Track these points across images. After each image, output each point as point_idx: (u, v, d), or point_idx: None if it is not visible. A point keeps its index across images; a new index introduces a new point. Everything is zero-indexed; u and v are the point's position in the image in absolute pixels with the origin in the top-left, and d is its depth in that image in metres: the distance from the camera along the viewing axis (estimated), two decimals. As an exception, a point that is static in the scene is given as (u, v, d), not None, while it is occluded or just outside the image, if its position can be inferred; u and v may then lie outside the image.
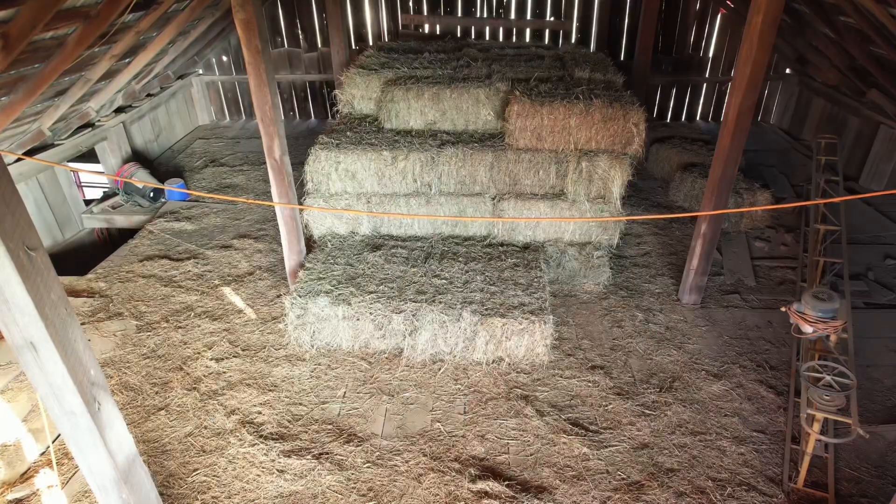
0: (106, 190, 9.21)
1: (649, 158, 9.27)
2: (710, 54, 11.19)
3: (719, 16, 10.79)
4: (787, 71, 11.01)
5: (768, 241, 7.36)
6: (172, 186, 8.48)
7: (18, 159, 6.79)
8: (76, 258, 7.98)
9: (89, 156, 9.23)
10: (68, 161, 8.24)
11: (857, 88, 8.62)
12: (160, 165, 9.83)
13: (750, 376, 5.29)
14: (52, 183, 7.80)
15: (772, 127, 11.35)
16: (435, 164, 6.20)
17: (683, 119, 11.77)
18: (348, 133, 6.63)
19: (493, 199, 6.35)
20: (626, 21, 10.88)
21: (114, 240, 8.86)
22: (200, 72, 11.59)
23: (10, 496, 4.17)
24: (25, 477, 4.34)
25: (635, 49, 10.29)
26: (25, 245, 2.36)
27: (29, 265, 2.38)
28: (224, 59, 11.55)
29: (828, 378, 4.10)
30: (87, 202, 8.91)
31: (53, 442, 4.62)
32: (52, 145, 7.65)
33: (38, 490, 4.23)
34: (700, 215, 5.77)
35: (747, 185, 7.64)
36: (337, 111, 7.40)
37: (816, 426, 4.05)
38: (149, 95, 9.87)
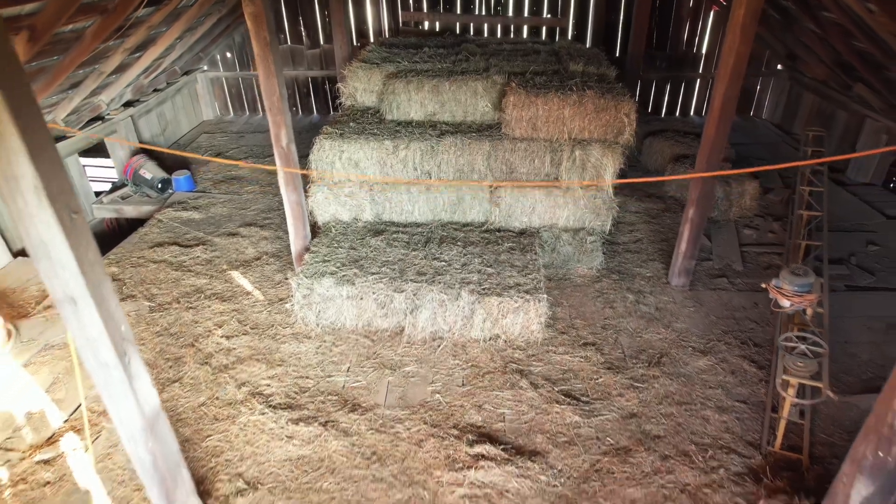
0: (114, 182, 9.49)
1: (643, 151, 9.55)
2: (704, 51, 11.47)
3: (712, 13, 11.07)
4: (779, 67, 11.30)
5: (756, 229, 7.64)
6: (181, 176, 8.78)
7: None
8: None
9: (98, 149, 9.53)
10: (78, 153, 8.53)
11: (844, 83, 8.90)
12: (167, 158, 10.12)
13: (734, 352, 5.57)
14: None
15: (764, 122, 11.65)
16: (434, 152, 6.47)
17: (677, 114, 12.05)
18: (351, 124, 6.91)
19: (491, 186, 6.62)
20: (621, 18, 11.17)
21: (123, 230, 9.14)
22: (205, 68, 11.86)
23: (38, 457, 4.45)
24: (51, 440, 4.62)
25: (629, 44, 10.60)
26: (69, 208, 2.63)
27: (71, 226, 2.64)
28: (228, 55, 11.83)
29: (802, 347, 4.38)
30: (97, 194, 9.19)
31: (75, 410, 4.91)
32: (64, 137, 7.94)
33: (63, 452, 4.51)
34: (691, 177, 6.06)
35: (736, 176, 7.92)
36: (340, 104, 7.68)
37: (791, 391, 4.34)
38: (155, 90, 10.16)
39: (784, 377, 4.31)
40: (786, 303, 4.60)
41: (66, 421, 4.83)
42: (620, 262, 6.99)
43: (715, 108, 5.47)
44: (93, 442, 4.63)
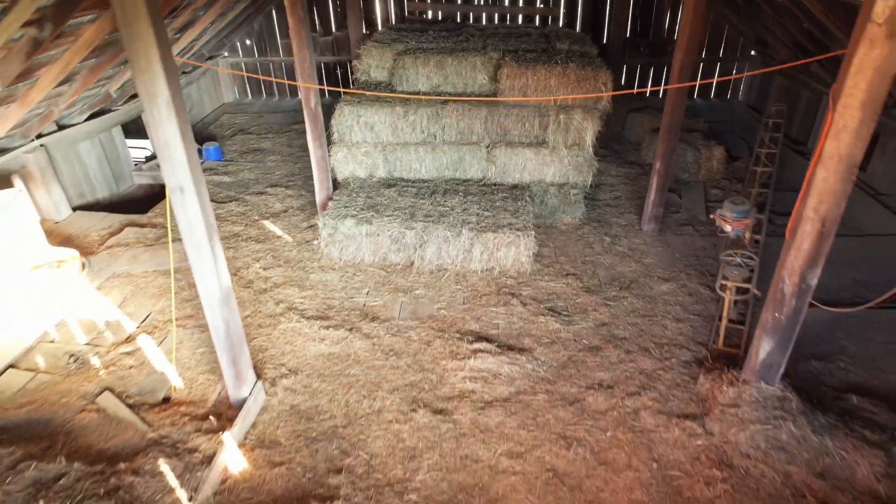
0: (148, 155, 10.52)
1: (626, 126, 10.61)
2: (684, 38, 12.50)
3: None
4: (752, 53, 12.35)
5: (722, 189, 8.68)
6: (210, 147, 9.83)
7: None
8: (130, 207, 9.30)
9: (129, 130, 10.56)
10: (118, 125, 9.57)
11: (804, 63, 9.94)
12: (195, 134, 11.14)
13: (693, 280, 6.61)
14: (110, 143, 9.10)
15: (739, 103, 12.71)
16: (439, 117, 7.52)
17: (660, 96, 13.10)
18: (366, 93, 7.95)
19: (487, 146, 7.66)
20: (608, 8, 12.23)
21: (158, 196, 10.17)
22: (226, 54, 12.91)
23: (121, 350, 5.50)
24: (129, 339, 5.67)
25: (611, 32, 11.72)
26: (185, 122, 3.67)
27: (187, 134, 3.68)
28: (248, 42, 12.88)
29: (738, 259, 5.43)
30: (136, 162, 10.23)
31: (145, 320, 5.96)
32: (111, 110, 8.98)
33: (139, 347, 5.56)
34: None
35: (705, 143, 8.97)
36: (355, 79, 8.71)
37: (729, 294, 5.38)
38: (183, 73, 11.20)
39: (723, 282, 5.36)
40: (728, 227, 5.64)
41: (138, 327, 5.88)
42: (600, 213, 8.04)
43: (675, 70, 6.50)
44: (161, 342, 5.68)
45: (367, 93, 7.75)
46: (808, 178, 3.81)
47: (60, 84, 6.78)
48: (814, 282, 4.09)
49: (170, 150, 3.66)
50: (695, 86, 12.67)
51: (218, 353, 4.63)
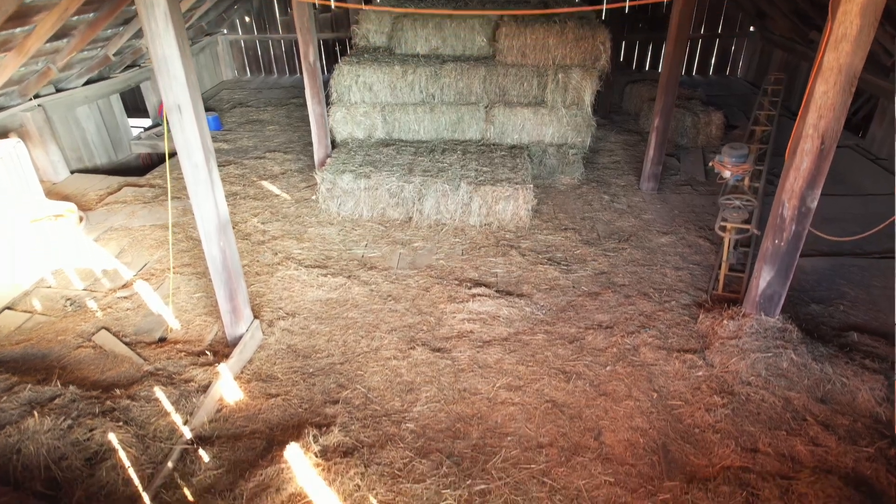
0: (146, 126, 10.50)
1: (624, 97, 10.61)
2: (683, 14, 12.51)
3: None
4: (751, 29, 12.35)
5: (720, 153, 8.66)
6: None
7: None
8: (128, 174, 9.28)
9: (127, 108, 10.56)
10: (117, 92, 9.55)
11: (802, 32, 9.93)
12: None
13: (692, 234, 6.59)
14: (109, 111, 9.08)
15: (738, 80, 12.70)
16: (438, 77, 7.50)
17: (659, 69, 13.09)
18: (365, 55, 7.94)
19: (486, 107, 7.65)
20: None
21: (155, 163, 10.15)
22: (225, 31, 12.90)
23: (118, 294, 5.48)
24: (126, 286, 5.65)
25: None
26: (183, 35, 3.64)
27: (186, 50, 3.66)
28: (247, 19, 12.87)
29: (737, 202, 5.41)
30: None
31: (142, 269, 5.94)
32: (109, 77, 8.97)
33: (136, 292, 5.54)
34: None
35: (703, 108, 8.96)
36: (354, 44, 8.69)
37: (728, 235, 5.35)
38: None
39: (722, 223, 5.34)
40: (727, 173, 5.62)
41: (135, 275, 5.86)
42: (599, 175, 8.02)
43: (673, 27, 6.53)
44: (158, 287, 5.67)
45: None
46: (807, 93, 3.79)
47: (58, 38, 6.76)
48: (813, 204, 4.08)
49: (168, 65, 3.64)
50: (693, 59, 12.70)
51: (214, 285, 4.60)
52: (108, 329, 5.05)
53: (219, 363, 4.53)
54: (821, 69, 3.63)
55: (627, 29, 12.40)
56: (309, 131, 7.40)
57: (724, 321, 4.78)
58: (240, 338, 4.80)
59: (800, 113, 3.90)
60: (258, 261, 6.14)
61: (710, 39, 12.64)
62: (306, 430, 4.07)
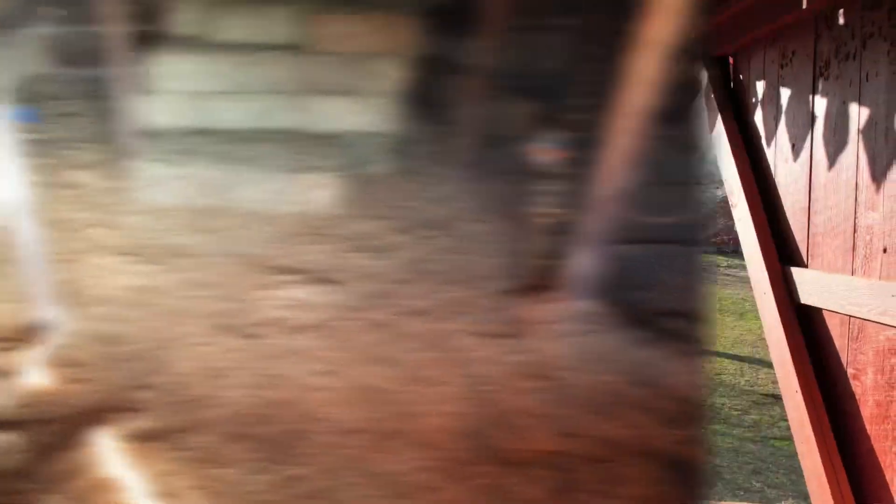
0: None
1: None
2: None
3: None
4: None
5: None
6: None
7: None
8: None
9: None
10: None
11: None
12: None
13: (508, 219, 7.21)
14: None
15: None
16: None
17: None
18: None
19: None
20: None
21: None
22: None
23: None
24: None
25: None
26: None
27: None
28: None
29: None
30: None
31: None
32: None
33: None
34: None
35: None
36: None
37: (543, 220, 5.72)
38: None
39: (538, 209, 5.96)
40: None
41: None
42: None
43: None
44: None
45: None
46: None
47: None
48: (629, 186, 4.15)
49: None
50: None
51: (18, 270, 4.57)
52: None
53: (25, 348, 4.52)
54: None
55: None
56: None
57: (542, 306, 4.93)
58: (43, 325, 4.80)
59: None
60: (68, 247, 6.01)
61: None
62: (115, 416, 4.22)
